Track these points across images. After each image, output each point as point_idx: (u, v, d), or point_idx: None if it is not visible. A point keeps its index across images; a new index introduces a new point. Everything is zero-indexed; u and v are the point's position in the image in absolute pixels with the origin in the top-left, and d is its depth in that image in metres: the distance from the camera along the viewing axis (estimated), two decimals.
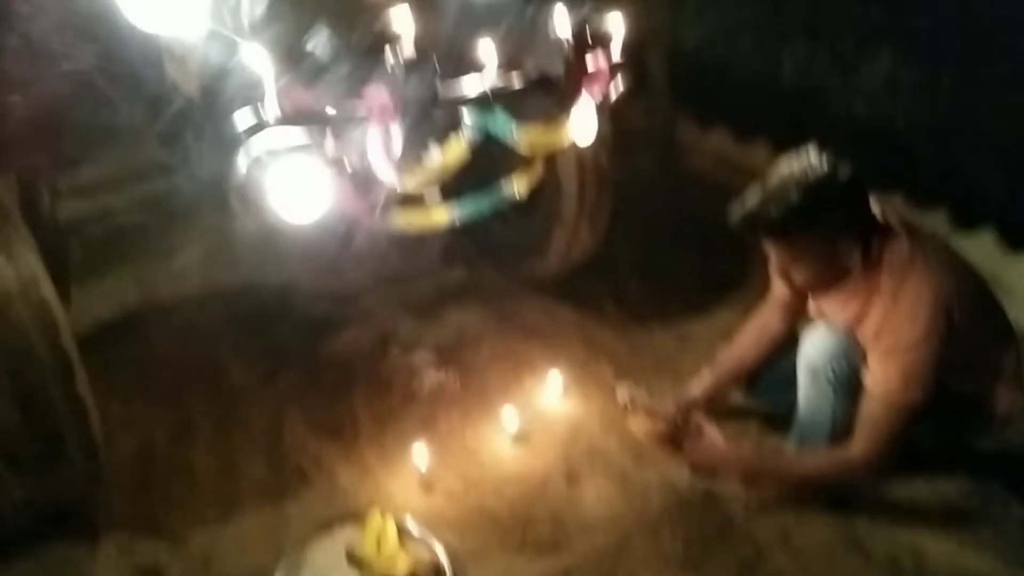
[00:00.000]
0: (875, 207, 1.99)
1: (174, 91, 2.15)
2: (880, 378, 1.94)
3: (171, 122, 2.17)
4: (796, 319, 2.31)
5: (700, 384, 2.39)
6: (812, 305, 2.20)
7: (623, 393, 2.49)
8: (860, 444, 1.98)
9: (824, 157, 1.92)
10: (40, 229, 2.03)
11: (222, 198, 1.89)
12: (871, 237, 1.96)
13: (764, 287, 2.34)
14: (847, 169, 1.91)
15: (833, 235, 1.92)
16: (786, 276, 2.06)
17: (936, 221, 3.26)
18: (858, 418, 2.00)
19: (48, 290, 1.79)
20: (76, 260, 2.20)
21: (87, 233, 2.19)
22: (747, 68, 4.39)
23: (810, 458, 2.17)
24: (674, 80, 3.82)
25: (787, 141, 3.68)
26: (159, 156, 2.28)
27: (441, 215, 2.17)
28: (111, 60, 2.31)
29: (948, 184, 3.48)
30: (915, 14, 4.02)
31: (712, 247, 3.01)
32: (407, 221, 2.12)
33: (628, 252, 3.21)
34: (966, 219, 3.26)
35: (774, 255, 2.03)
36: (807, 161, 1.91)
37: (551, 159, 2.47)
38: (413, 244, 2.46)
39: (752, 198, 1.94)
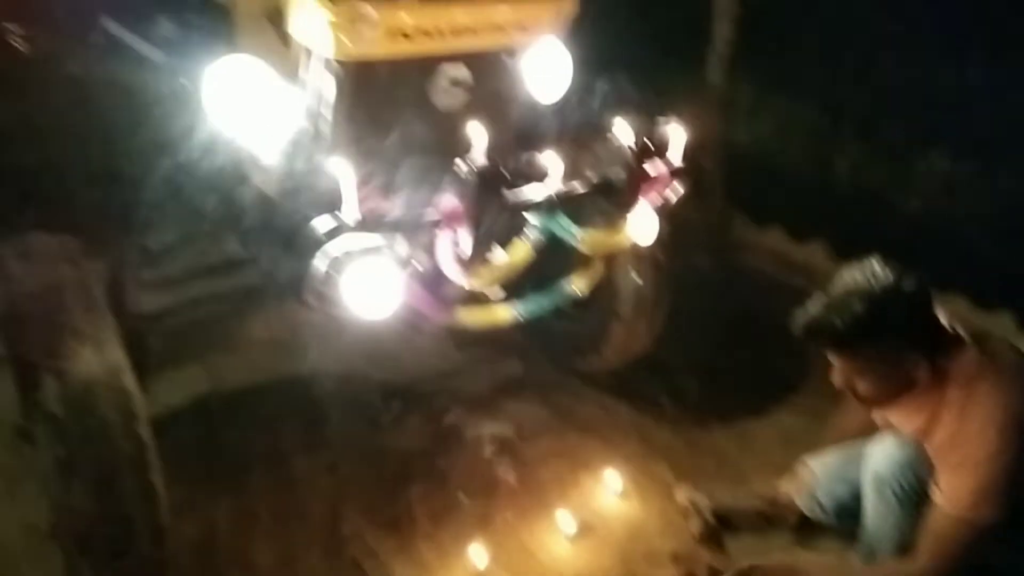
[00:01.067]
0: (942, 316, 1.97)
1: (256, 192, 2.28)
2: (949, 494, 1.87)
3: (251, 222, 2.29)
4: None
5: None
6: (878, 415, 2.16)
7: (683, 495, 2.46)
8: (923, 559, 1.91)
9: (889, 267, 1.92)
10: (124, 319, 2.14)
11: (294, 294, 1.98)
12: (938, 348, 1.93)
13: (825, 389, 2.31)
14: (913, 280, 1.90)
15: (899, 347, 1.90)
16: (850, 388, 2.02)
17: (1001, 323, 3.20)
18: (923, 532, 1.93)
19: (130, 380, 1.87)
20: (154, 349, 2.30)
21: (165, 323, 2.30)
22: (801, 167, 4.45)
23: (870, 571, 2.08)
24: (729, 179, 3.90)
25: (844, 241, 3.74)
26: (238, 253, 2.40)
27: (505, 313, 2.22)
28: (196, 159, 2.46)
29: (1012, 285, 3.42)
30: (972, 110, 4.06)
31: (771, 347, 3.00)
32: (472, 319, 2.17)
33: (686, 350, 3.21)
34: None
35: (838, 366, 2.01)
36: (872, 271, 1.92)
37: (610, 257, 2.52)
38: (473, 338, 2.52)
39: (815, 307, 1.94)
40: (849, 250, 3.63)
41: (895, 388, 1.96)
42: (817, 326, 1.91)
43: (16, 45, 3.33)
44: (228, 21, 2.25)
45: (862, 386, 1.98)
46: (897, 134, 4.40)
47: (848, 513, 2.23)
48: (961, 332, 1.97)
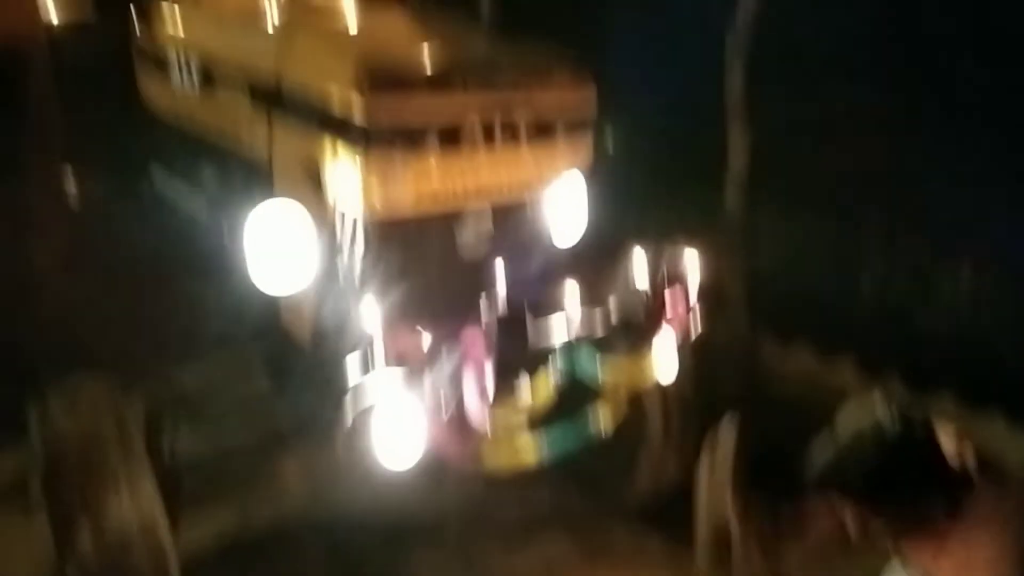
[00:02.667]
0: (961, 453, 1.96)
1: (287, 335, 2.37)
2: None
3: (283, 364, 2.36)
4: None
5: None
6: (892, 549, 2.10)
7: None
8: None
9: (895, 405, 1.91)
10: (159, 461, 2.18)
11: (324, 434, 2.02)
12: (954, 488, 1.90)
13: None
14: (922, 421, 1.89)
15: (915, 490, 1.88)
16: (863, 533, 1.99)
17: None
18: None
19: (164, 532, 1.90)
20: (187, 489, 2.33)
21: (198, 463, 2.34)
22: (824, 286, 4.47)
23: None
24: (752, 300, 3.93)
25: (872, 358, 3.71)
26: (270, 395, 2.46)
27: (530, 451, 2.23)
28: (232, 301, 2.57)
29: None
30: (993, 223, 4.08)
31: (801, 470, 2.94)
32: (498, 458, 2.19)
33: None
34: None
35: (849, 510, 1.98)
36: (879, 413, 1.91)
37: (635, 389, 2.54)
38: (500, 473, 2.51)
39: (825, 455, 1.92)
40: (878, 366, 3.64)
41: (910, 528, 1.92)
42: (831, 479, 1.89)
43: (63, 191, 3.56)
44: (267, 172, 2.40)
45: (876, 526, 1.94)
46: (919, 248, 4.44)
47: None
48: (971, 465, 1.95)
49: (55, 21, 3.56)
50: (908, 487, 1.86)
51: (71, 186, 3.56)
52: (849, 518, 1.96)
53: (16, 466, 2.87)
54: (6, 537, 2.72)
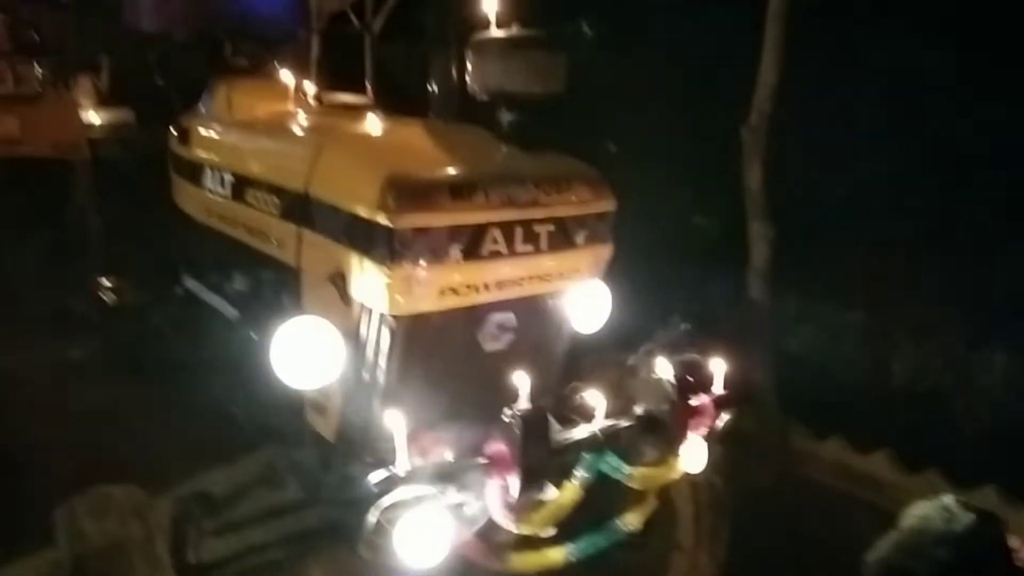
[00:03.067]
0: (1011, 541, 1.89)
1: (315, 438, 2.39)
2: None
3: (309, 467, 2.38)
4: None
5: None
6: None
7: None
8: None
9: (962, 505, 1.86)
10: (184, 566, 2.18)
11: (350, 536, 2.01)
12: None
13: None
14: (994, 522, 1.84)
15: None
16: None
17: None
18: None
19: None
20: None
21: (226, 570, 2.32)
22: (856, 372, 4.42)
23: None
24: (782, 390, 3.89)
25: (908, 448, 3.63)
26: (296, 498, 2.46)
27: (558, 554, 2.20)
28: (260, 406, 2.61)
29: None
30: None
31: (841, 567, 2.85)
32: (525, 562, 2.15)
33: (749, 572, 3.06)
34: None
35: None
36: (947, 510, 1.86)
37: (664, 488, 2.51)
38: None
39: (889, 550, 1.86)
40: (917, 459, 3.55)
41: None
42: (895, 572, 1.83)
43: (104, 296, 3.68)
44: (296, 280, 2.48)
45: None
46: (953, 336, 4.38)
47: None
48: None
49: (97, 134, 3.76)
50: None
51: (106, 286, 3.68)
52: None
53: (45, 569, 2.89)
54: None
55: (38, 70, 3.47)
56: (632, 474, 2.17)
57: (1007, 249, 4.19)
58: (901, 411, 4.04)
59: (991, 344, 4.17)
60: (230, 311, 2.88)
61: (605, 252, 2.40)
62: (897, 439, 3.72)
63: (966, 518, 1.82)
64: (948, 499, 1.87)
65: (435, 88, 5.49)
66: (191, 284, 3.23)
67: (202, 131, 3.14)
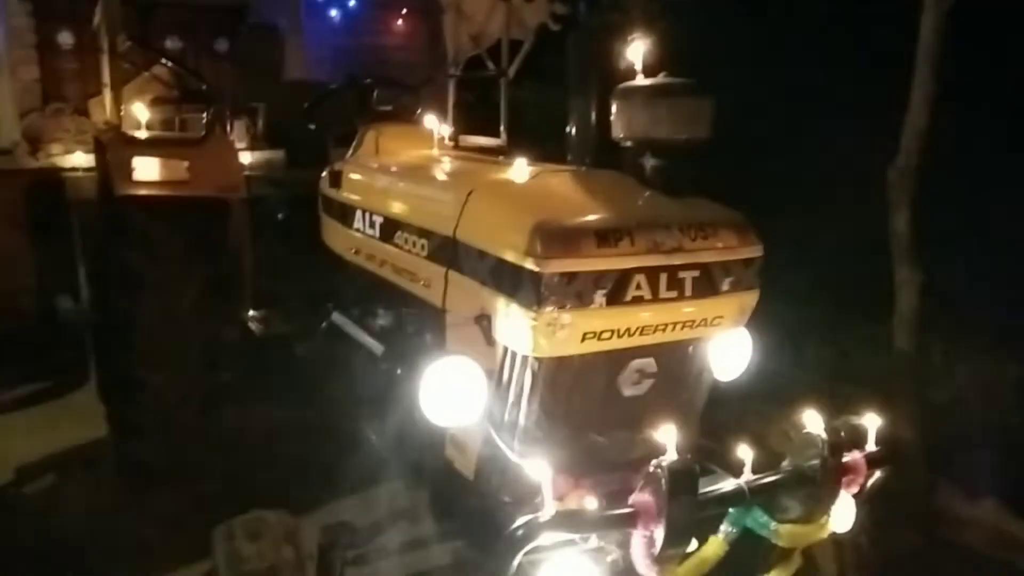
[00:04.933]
0: None
1: (455, 473, 2.44)
2: None
3: (449, 503, 2.42)
4: None
5: None
6: None
7: None
8: None
9: None
10: None
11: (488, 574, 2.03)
12: None
13: None
14: None
15: None
16: None
17: None
18: None
19: None
20: None
21: None
22: (1014, 430, 4.12)
23: None
24: (929, 445, 3.66)
25: None
26: (433, 531, 2.52)
27: None
28: (406, 443, 2.68)
29: None
30: None
31: None
32: None
33: None
34: None
35: None
36: None
37: (809, 547, 2.40)
38: None
39: None
40: None
41: None
42: None
43: (254, 327, 3.90)
44: (440, 320, 2.56)
45: None
46: None
47: None
48: None
49: (252, 174, 4.02)
50: None
51: (256, 318, 3.90)
52: None
53: None
54: None
55: (203, 116, 3.75)
56: (778, 531, 2.09)
57: None
58: None
59: None
60: (374, 346, 3.00)
61: (750, 299, 2.35)
62: None
63: None
64: None
65: (573, 131, 5.56)
66: (337, 319, 3.38)
67: (352, 174, 3.31)
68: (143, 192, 3.46)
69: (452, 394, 2.16)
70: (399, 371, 2.69)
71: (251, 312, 3.93)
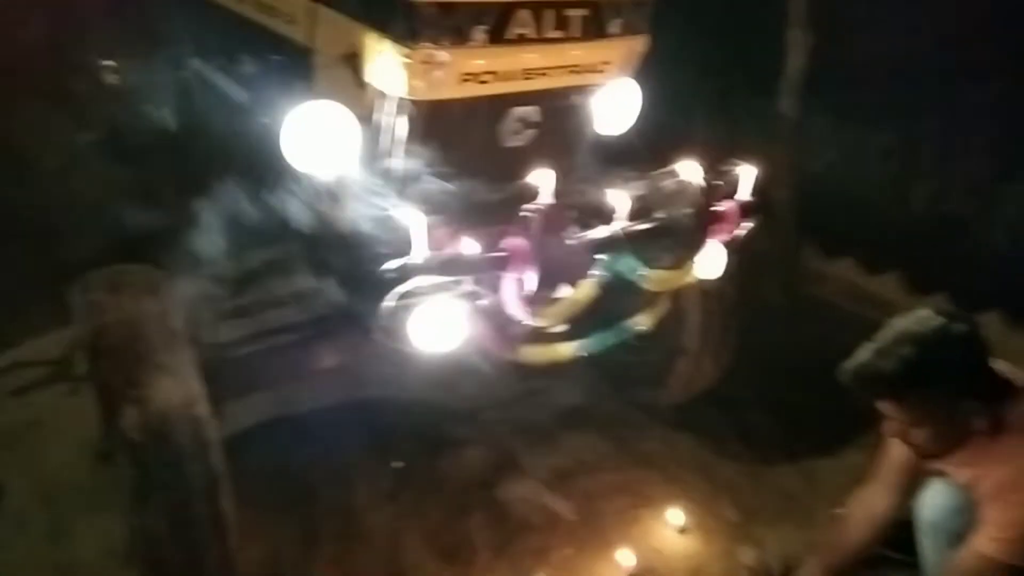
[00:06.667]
0: (997, 364, 1.91)
1: (329, 227, 2.34)
2: (991, 536, 1.79)
3: (323, 256, 2.35)
4: (909, 493, 2.18)
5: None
6: (930, 464, 2.08)
7: (748, 558, 2.42)
8: None
9: (942, 312, 1.86)
10: (201, 348, 2.21)
11: (364, 327, 2.03)
12: (993, 395, 1.86)
13: None
14: (965, 324, 1.83)
15: (952, 394, 1.83)
16: (904, 439, 1.96)
17: None
18: (952, 570, 1.88)
19: (204, 409, 1.94)
20: (227, 376, 2.38)
21: (240, 351, 2.37)
22: (876, 196, 4.33)
23: None
24: (801, 209, 3.83)
25: (920, 272, 3.62)
26: (310, 285, 2.47)
27: (568, 350, 2.23)
28: (273, 194, 2.55)
29: None
30: None
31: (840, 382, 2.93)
32: (535, 355, 2.19)
33: (753, 384, 3.16)
34: None
35: (891, 416, 1.95)
36: (922, 317, 1.86)
37: (677, 290, 2.51)
38: (537, 370, 2.54)
39: (864, 355, 1.88)
40: (925, 282, 3.56)
41: (950, 438, 1.89)
42: (866, 373, 1.85)
43: (106, 78, 3.52)
44: (308, 63, 2.34)
45: (915, 436, 1.91)
46: (976, 163, 4.26)
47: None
48: (1017, 380, 1.90)
49: None
50: (945, 384, 1.82)
51: (109, 68, 3.52)
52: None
53: (64, 344, 2.98)
54: (56, 411, 2.83)
55: None
56: (647, 276, 2.15)
57: None
58: (917, 235, 4.00)
59: (1017, 174, 4.07)
60: (238, 95, 2.75)
61: (639, 45, 2.24)
62: (910, 263, 3.71)
63: (936, 321, 1.82)
64: (927, 309, 1.87)
65: None
66: (196, 68, 3.07)
67: None
68: None
69: (318, 141, 2.01)
70: (265, 121, 2.49)
71: (103, 62, 3.53)
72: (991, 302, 3.31)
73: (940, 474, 2.06)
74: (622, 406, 3.10)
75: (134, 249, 2.35)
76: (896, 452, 2.13)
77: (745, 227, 2.27)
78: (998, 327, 3.22)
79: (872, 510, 2.18)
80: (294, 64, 2.45)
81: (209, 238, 2.46)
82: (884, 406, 1.94)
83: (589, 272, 2.07)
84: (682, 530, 2.57)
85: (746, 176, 2.23)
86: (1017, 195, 4.00)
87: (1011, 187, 4.05)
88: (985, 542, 1.81)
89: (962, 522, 1.93)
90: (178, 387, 1.93)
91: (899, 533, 2.28)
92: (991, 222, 3.96)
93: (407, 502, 2.64)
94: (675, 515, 2.59)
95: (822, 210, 3.94)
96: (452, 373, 2.61)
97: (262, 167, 2.51)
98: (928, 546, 2.05)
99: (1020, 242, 3.83)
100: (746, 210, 2.24)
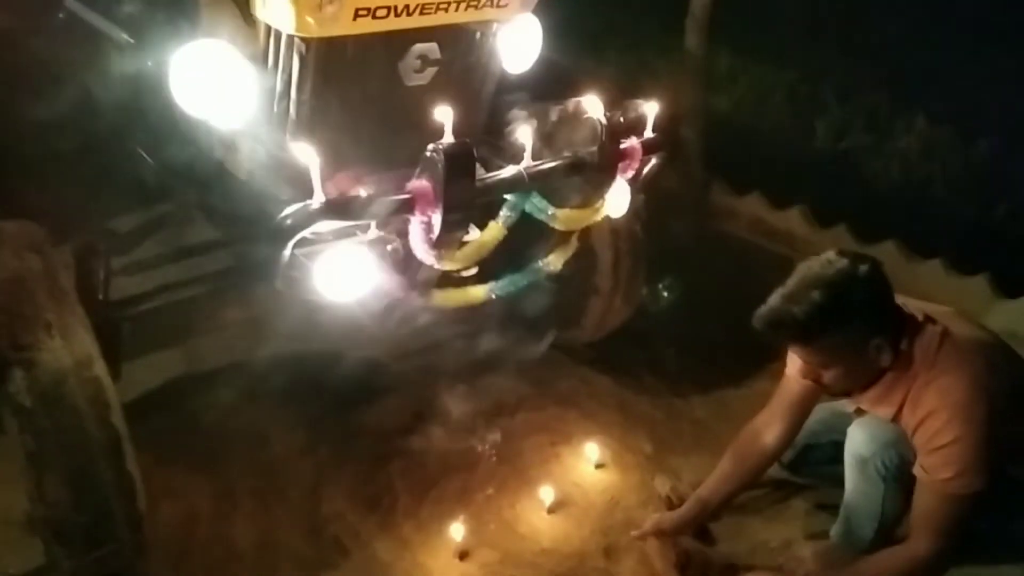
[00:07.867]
0: (900, 299, 2.00)
1: (225, 174, 2.25)
2: (935, 473, 1.89)
3: (220, 205, 2.26)
4: (798, 427, 2.27)
5: (686, 512, 2.30)
6: (850, 400, 2.17)
7: (662, 485, 2.49)
8: (925, 541, 1.92)
9: (845, 255, 1.93)
10: (94, 307, 2.11)
11: (266, 277, 1.96)
12: (899, 331, 1.95)
13: None
14: (869, 265, 1.91)
15: (860, 333, 1.91)
16: (817, 382, 2.04)
17: (978, 287, 3.23)
18: (916, 513, 1.96)
19: (101, 369, 1.85)
20: (126, 335, 2.28)
21: (138, 309, 2.27)
22: (780, 132, 4.44)
23: (875, 564, 2.02)
24: (707, 145, 3.88)
25: (822, 206, 3.74)
26: (210, 236, 2.37)
27: (479, 292, 2.21)
28: (163, 141, 2.42)
29: (989, 248, 3.46)
30: (951, 75, 4.06)
31: (750, 315, 3.02)
32: (445, 299, 2.17)
33: (665, 320, 3.22)
34: (1009, 284, 3.22)
35: (803, 361, 2.02)
36: (827, 260, 1.92)
37: (586, 230, 2.51)
38: (449, 315, 2.52)
39: (774, 301, 1.94)
40: (828, 216, 3.68)
41: (861, 375, 1.99)
42: (777, 318, 1.91)
43: None
44: (195, 1, 2.20)
45: (828, 377, 1.99)
46: (877, 100, 4.41)
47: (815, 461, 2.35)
48: (918, 313, 1.99)
49: None
50: (854, 324, 1.90)
51: None
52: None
53: None
54: None
55: None
56: (556, 215, 2.14)
57: (942, 18, 4.12)
58: (819, 170, 4.12)
59: (913, 109, 4.22)
60: (120, 36, 2.57)
61: None
62: (813, 197, 3.83)
63: (841, 263, 1.89)
64: (833, 251, 1.95)
65: None
66: (73, 6, 2.85)
67: None
68: None
69: (206, 83, 1.90)
70: (150, 63, 2.35)
71: None
72: (887, 233, 3.45)
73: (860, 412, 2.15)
74: (538, 348, 3.11)
75: (12, 204, 2.20)
76: (791, 387, 2.21)
77: (650, 164, 2.27)
78: (895, 257, 3.36)
79: (762, 441, 2.27)
80: (179, 2, 2.31)
81: (97, 191, 2.34)
82: (797, 349, 2.01)
83: (496, 213, 2.04)
84: (600, 464, 2.62)
85: (651, 112, 2.23)
86: (910, 129, 4.16)
87: (904, 121, 4.21)
88: (935, 481, 1.89)
89: (892, 455, 2.03)
90: (69, 348, 1.83)
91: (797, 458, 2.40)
92: (887, 156, 4.11)
93: (325, 454, 2.61)
94: (592, 450, 2.64)
95: (730, 147, 4.00)
96: (365, 324, 2.59)
97: (150, 113, 2.38)
98: (855, 478, 2.13)
99: (913, 174, 3.99)
100: (651, 147, 2.24)
